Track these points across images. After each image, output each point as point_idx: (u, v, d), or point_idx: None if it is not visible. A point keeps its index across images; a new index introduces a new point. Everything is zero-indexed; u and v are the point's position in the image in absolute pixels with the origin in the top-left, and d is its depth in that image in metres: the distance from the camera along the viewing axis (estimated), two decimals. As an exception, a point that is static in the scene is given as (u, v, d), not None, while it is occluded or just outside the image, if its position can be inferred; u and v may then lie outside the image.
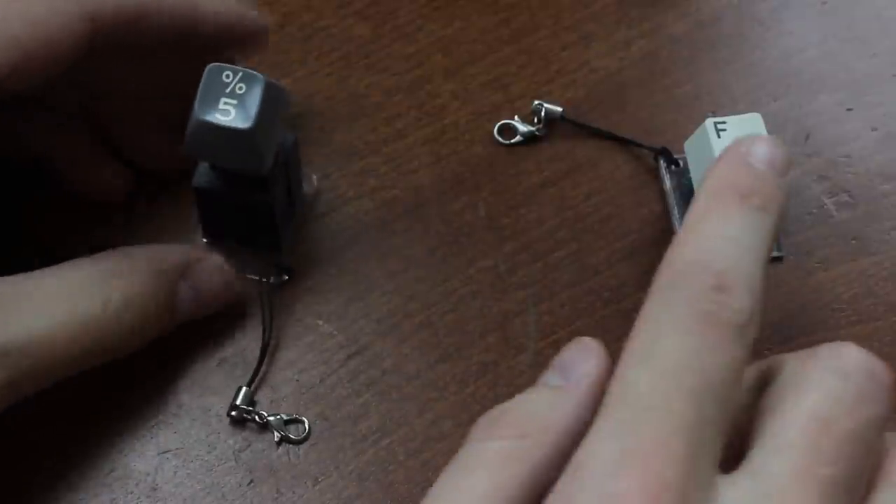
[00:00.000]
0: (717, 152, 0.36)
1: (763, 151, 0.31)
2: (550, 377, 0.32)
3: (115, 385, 0.38)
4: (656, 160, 0.42)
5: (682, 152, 0.40)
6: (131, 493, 0.36)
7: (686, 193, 0.41)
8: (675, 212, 0.41)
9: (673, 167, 0.42)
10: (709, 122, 0.38)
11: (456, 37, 0.46)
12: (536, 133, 0.43)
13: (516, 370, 0.39)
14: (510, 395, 0.38)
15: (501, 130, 0.44)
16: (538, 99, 0.44)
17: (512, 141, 0.43)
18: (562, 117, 0.43)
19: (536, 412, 0.29)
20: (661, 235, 0.41)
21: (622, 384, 0.27)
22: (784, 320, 0.40)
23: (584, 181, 0.43)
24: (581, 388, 0.30)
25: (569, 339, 0.39)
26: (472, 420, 0.37)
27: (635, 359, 0.27)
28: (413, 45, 0.46)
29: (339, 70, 0.45)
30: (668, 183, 0.42)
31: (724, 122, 0.38)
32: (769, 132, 0.43)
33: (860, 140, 0.44)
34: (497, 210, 0.42)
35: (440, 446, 0.37)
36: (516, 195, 0.42)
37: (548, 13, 0.47)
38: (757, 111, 0.44)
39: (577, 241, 0.41)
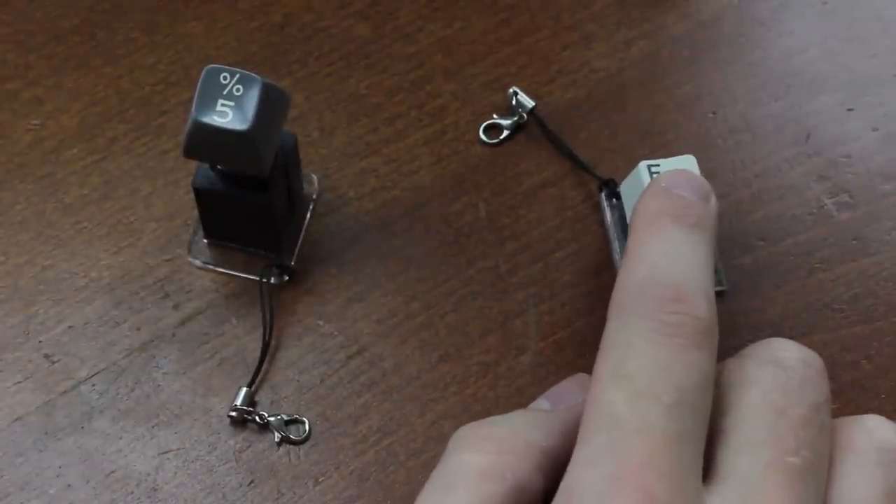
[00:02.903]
0: None
1: (684, 181, 0.32)
2: (538, 404, 0.33)
3: (117, 384, 0.38)
4: (600, 191, 0.42)
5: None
6: (132, 493, 0.36)
7: (626, 227, 0.40)
8: (616, 245, 0.41)
9: (614, 200, 0.41)
10: (642, 165, 0.38)
11: (456, 37, 0.46)
12: (520, 122, 0.43)
13: (517, 370, 0.39)
14: (511, 396, 0.38)
15: (487, 131, 0.44)
16: (538, 99, 0.44)
17: (501, 138, 0.43)
18: (532, 112, 0.43)
19: (519, 429, 0.29)
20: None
21: (599, 407, 0.27)
22: (784, 320, 0.40)
23: (584, 181, 0.43)
24: (565, 413, 0.30)
25: (569, 339, 0.39)
26: (472, 420, 0.38)
27: (607, 380, 0.27)
28: (413, 46, 0.46)
29: (340, 70, 0.45)
30: (608, 216, 0.41)
31: (657, 164, 0.38)
32: (769, 134, 0.44)
33: (861, 140, 0.44)
34: (497, 210, 0.42)
35: (441, 447, 0.37)
36: (516, 195, 0.42)
37: (548, 14, 0.47)
38: (757, 111, 0.44)
39: (577, 241, 0.41)
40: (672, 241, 0.30)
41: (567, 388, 0.33)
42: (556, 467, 0.28)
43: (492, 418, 0.30)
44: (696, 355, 0.27)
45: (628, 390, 0.26)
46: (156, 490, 0.37)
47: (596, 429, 0.26)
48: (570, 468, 0.26)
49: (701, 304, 0.28)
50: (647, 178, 0.37)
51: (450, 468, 0.29)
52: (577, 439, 0.27)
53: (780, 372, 0.28)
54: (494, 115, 0.44)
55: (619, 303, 0.29)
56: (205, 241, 0.41)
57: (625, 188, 0.39)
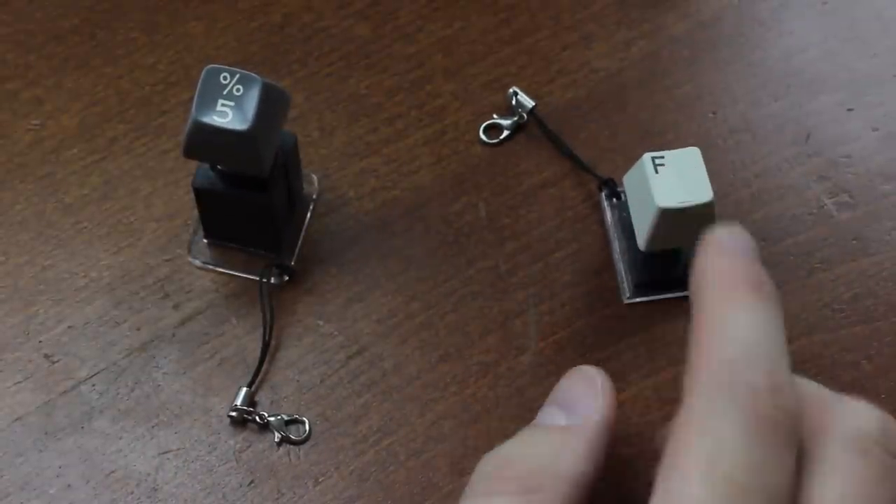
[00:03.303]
0: (653, 187, 0.36)
1: (744, 242, 0.30)
2: (551, 414, 0.31)
3: (117, 384, 0.38)
4: (599, 190, 0.42)
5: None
6: (132, 493, 0.36)
7: (626, 227, 0.40)
8: (616, 245, 0.41)
9: (615, 200, 0.41)
10: (646, 157, 0.37)
11: (456, 37, 0.46)
12: (520, 122, 0.43)
13: (517, 370, 0.39)
14: (511, 396, 0.38)
15: (487, 131, 0.44)
16: (538, 99, 0.44)
17: (501, 138, 0.43)
18: (532, 112, 0.43)
19: (542, 462, 0.28)
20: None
21: (682, 499, 0.25)
22: (784, 321, 0.40)
23: (584, 181, 0.43)
24: (587, 431, 0.29)
25: (569, 339, 0.39)
26: (472, 420, 0.38)
27: (696, 471, 0.25)
28: (413, 46, 0.46)
29: (340, 70, 0.45)
30: (609, 216, 0.41)
31: (661, 157, 0.37)
32: (769, 134, 0.44)
33: (860, 140, 0.44)
34: (497, 210, 0.42)
35: (441, 447, 0.37)
36: (516, 195, 0.42)
37: (548, 13, 0.47)
38: (757, 111, 0.44)
39: (577, 241, 0.41)
40: (758, 316, 0.28)
41: (575, 389, 0.32)
42: (586, 494, 0.28)
43: (515, 447, 0.29)
44: (787, 457, 0.26)
45: (718, 489, 0.25)
46: (156, 490, 0.37)
47: None
48: None
49: (791, 396, 0.27)
50: (651, 171, 0.37)
51: None
52: None
53: (859, 461, 0.27)
54: (494, 115, 0.44)
55: (708, 381, 0.27)
56: (205, 241, 0.41)
57: (628, 181, 0.39)
